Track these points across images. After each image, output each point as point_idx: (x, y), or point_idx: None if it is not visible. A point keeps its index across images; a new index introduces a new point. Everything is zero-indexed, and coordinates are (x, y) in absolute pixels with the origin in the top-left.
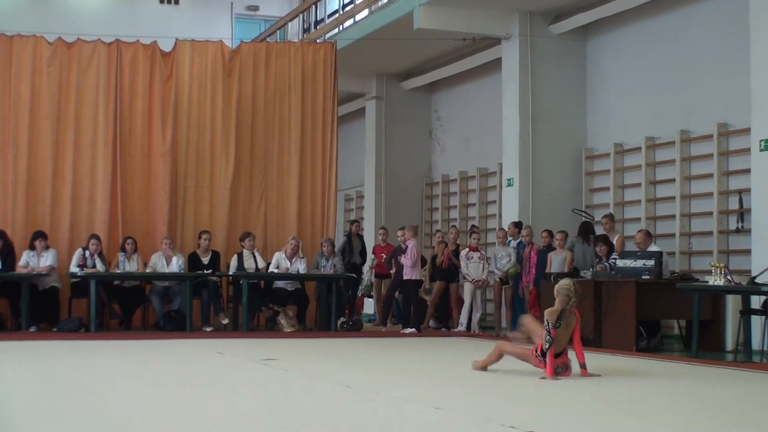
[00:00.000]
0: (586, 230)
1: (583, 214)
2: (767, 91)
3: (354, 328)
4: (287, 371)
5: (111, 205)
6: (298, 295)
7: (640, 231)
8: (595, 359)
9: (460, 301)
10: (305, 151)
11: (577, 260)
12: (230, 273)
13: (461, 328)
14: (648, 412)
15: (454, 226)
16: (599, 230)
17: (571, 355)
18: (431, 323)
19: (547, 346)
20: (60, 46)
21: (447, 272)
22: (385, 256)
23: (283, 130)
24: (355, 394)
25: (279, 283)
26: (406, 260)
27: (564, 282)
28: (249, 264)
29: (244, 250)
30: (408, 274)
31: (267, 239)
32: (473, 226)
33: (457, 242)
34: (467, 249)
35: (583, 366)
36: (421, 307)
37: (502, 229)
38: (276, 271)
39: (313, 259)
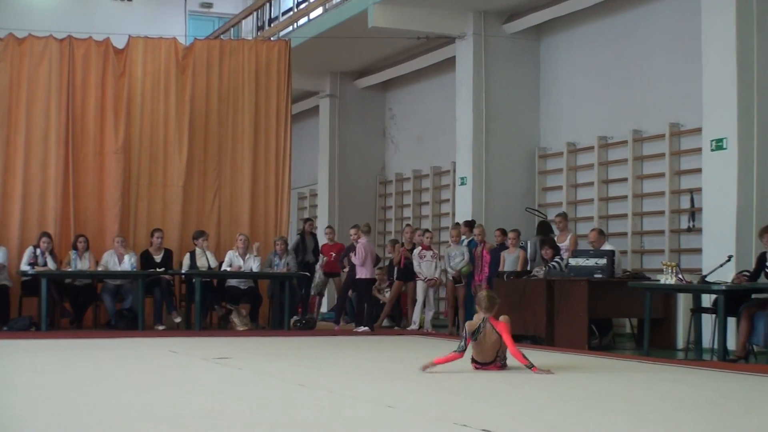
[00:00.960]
0: (544, 229)
1: (537, 212)
2: (719, 92)
3: (307, 326)
4: (240, 370)
5: (63, 203)
6: (251, 294)
7: (593, 230)
8: (547, 357)
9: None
10: (258, 149)
11: (539, 259)
12: (183, 271)
13: (414, 326)
14: (600, 409)
15: (408, 225)
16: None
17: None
18: (384, 322)
19: (455, 350)
20: (11, 41)
21: (404, 272)
22: (334, 254)
23: (237, 128)
24: (307, 393)
25: (232, 282)
26: (355, 259)
27: (479, 294)
28: (202, 262)
29: (197, 249)
30: (359, 273)
31: (220, 238)
32: (457, 223)
33: (413, 241)
34: (420, 248)
35: (529, 366)
36: (374, 306)
37: (455, 227)
38: (229, 269)
39: (266, 257)
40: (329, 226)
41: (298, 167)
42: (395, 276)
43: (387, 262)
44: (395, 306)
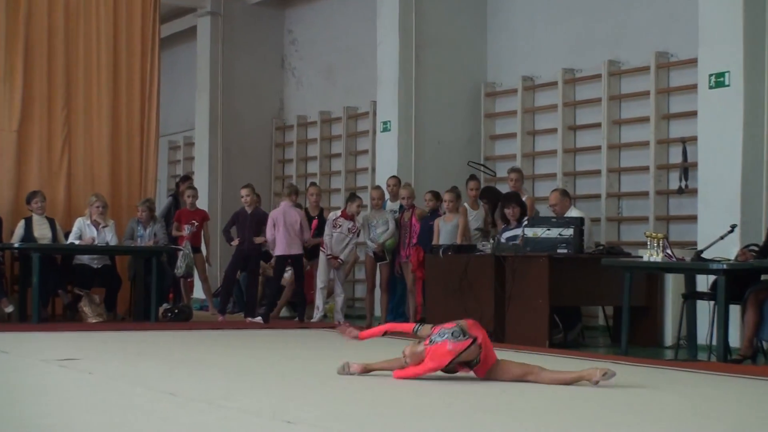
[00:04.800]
0: (491, 194)
1: (482, 168)
2: (719, 12)
3: (180, 317)
4: (92, 375)
5: None
6: (106, 274)
7: (555, 190)
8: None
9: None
10: (119, 82)
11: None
12: (15, 245)
13: (318, 315)
14: (556, 424)
15: (313, 184)
16: (505, 190)
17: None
18: (283, 311)
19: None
20: None
21: (310, 248)
22: (196, 223)
23: (90, 55)
24: (181, 405)
25: (82, 259)
26: (269, 231)
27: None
28: (41, 232)
29: (34, 215)
30: (278, 249)
31: (72, 200)
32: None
33: (320, 205)
34: (338, 213)
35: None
36: (273, 291)
37: (377, 187)
38: (77, 242)
39: (126, 226)
40: (191, 187)
41: (169, 107)
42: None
43: None
44: (298, 290)
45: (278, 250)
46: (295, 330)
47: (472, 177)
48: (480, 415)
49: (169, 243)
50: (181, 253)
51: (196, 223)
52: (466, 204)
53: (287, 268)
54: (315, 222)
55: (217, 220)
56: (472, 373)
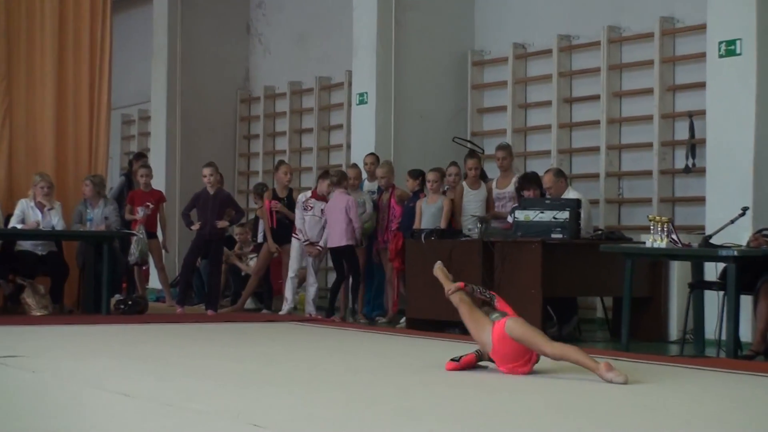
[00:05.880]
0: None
1: (469, 144)
2: None
3: (134, 309)
4: (36, 374)
5: None
6: (52, 262)
7: (548, 170)
8: None
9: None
10: (65, 51)
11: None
12: None
13: (287, 307)
14: (551, 428)
15: (282, 162)
16: (492, 169)
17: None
18: (248, 302)
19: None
20: None
21: (277, 232)
22: (151, 205)
23: (33, 18)
24: (137, 407)
25: (25, 245)
26: (317, 218)
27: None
28: None
29: None
30: (333, 240)
31: (13, 180)
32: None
33: (290, 186)
34: (309, 194)
35: None
36: (237, 281)
37: (353, 165)
38: (20, 226)
39: (74, 209)
40: (145, 165)
41: (122, 77)
42: (260, 237)
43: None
44: (264, 279)
45: (342, 240)
46: (261, 323)
47: (472, 154)
48: (468, 418)
49: (121, 227)
50: (135, 238)
51: (152, 206)
52: (464, 183)
53: (251, 254)
54: (267, 204)
55: (175, 202)
56: (492, 365)
